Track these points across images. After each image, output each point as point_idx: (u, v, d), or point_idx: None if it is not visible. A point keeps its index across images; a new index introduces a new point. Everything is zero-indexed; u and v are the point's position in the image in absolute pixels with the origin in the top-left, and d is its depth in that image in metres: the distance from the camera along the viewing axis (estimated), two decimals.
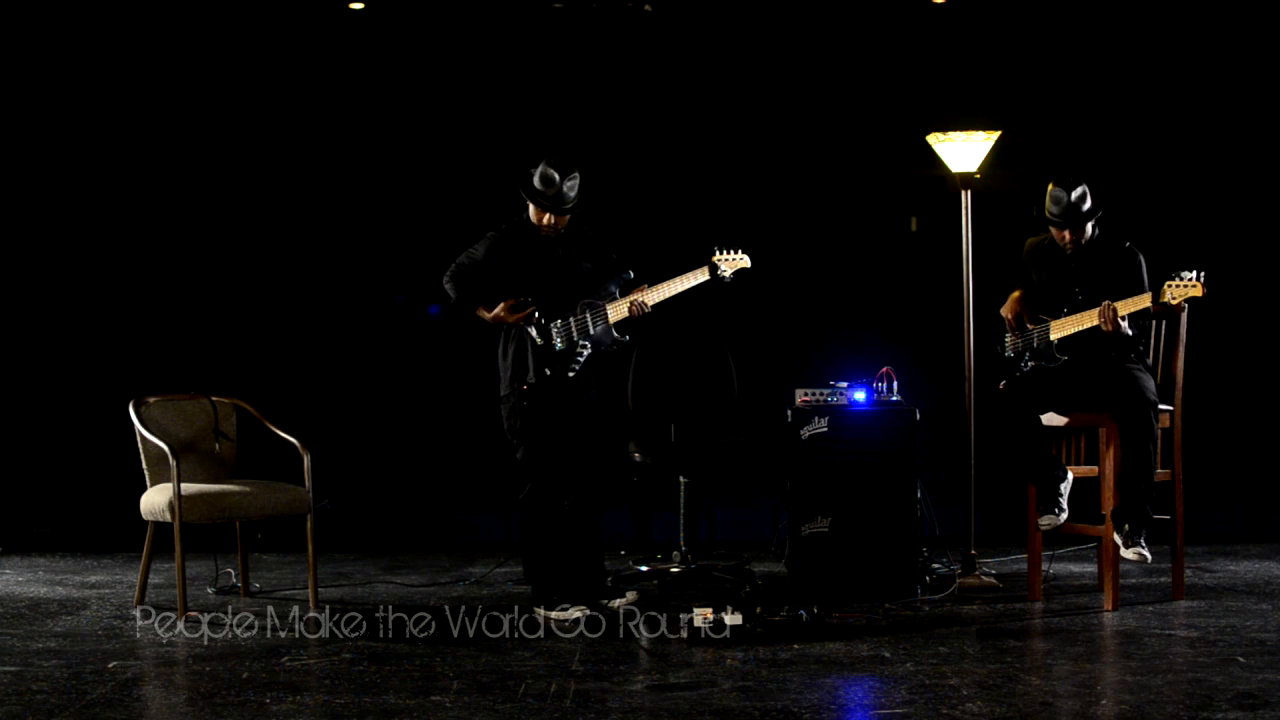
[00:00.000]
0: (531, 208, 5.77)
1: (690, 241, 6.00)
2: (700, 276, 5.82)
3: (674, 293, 5.82)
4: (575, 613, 5.60)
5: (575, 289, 5.77)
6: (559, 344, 5.68)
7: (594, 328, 5.74)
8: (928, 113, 7.14)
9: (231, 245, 7.74)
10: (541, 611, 5.67)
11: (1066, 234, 5.83)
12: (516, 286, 5.73)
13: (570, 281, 5.77)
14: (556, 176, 5.68)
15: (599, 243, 5.89)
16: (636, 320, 5.76)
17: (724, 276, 5.83)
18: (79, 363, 7.71)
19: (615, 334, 5.77)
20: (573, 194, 5.72)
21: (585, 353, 5.74)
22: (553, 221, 5.74)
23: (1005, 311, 6.01)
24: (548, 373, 5.67)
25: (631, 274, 5.86)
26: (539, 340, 5.68)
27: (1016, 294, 6.01)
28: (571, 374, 5.70)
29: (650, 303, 5.75)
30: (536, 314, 5.68)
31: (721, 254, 5.85)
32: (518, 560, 7.00)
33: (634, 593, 5.92)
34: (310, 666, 4.90)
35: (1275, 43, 7.58)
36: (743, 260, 5.86)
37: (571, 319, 5.71)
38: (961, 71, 7.58)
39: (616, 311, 5.75)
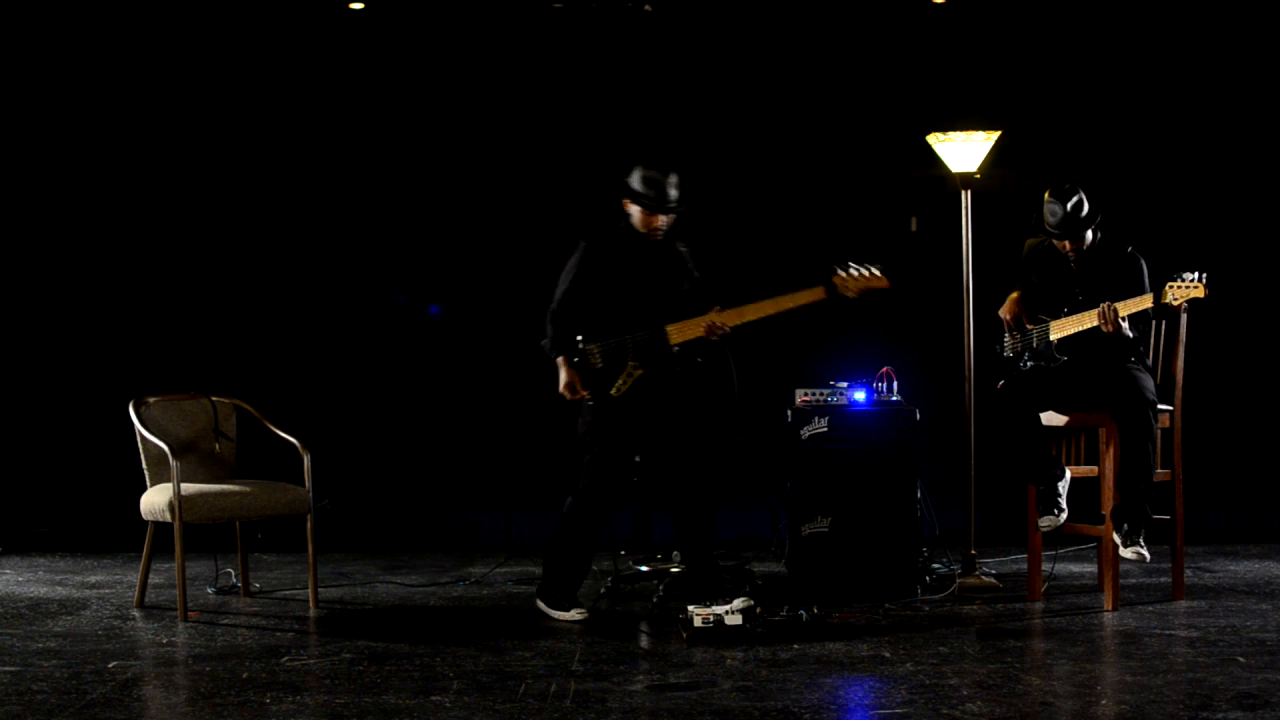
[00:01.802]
0: (637, 212, 5.69)
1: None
2: (810, 297, 5.68)
3: (766, 314, 5.67)
4: (575, 614, 5.60)
5: (665, 304, 5.69)
6: (600, 364, 5.64)
7: (641, 348, 5.64)
8: (928, 113, 7.13)
9: (231, 245, 7.74)
10: (543, 605, 5.68)
11: (1066, 244, 5.82)
12: (608, 296, 5.69)
13: (661, 295, 5.70)
14: (659, 177, 5.65)
15: (687, 260, 5.83)
16: (715, 342, 5.69)
17: (847, 297, 5.67)
18: (79, 363, 7.71)
19: (678, 351, 5.67)
20: (676, 193, 5.67)
21: (636, 374, 5.65)
22: (661, 223, 5.68)
23: (1004, 313, 6.00)
24: (588, 400, 5.63)
25: (712, 293, 5.77)
26: (574, 359, 5.64)
27: (1015, 295, 6.01)
28: (616, 393, 5.62)
29: (730, 325, 5.64)
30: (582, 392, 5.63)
31: (847, 272, 5.68)
32: (518, 560, 7.02)
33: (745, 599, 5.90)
34: (310, 666, 4.90)
35: (1275, 43, 7.57)
36: (873, 278, 5.67)
37: (618, 341, 5.64)
38: (961, 71, 7.58)
39: (682, 332, 5.65)
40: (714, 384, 5.92)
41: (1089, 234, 5.82)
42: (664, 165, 5.67)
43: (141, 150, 7.72)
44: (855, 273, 5.71)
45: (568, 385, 5.65)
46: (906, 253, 7.67)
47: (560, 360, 5.67)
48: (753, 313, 5.69)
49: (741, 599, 5.50)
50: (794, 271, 7.56)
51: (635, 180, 5.67)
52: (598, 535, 5.74)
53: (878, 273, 5.73)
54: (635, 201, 5.69)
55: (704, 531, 5.87)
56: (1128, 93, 7.64)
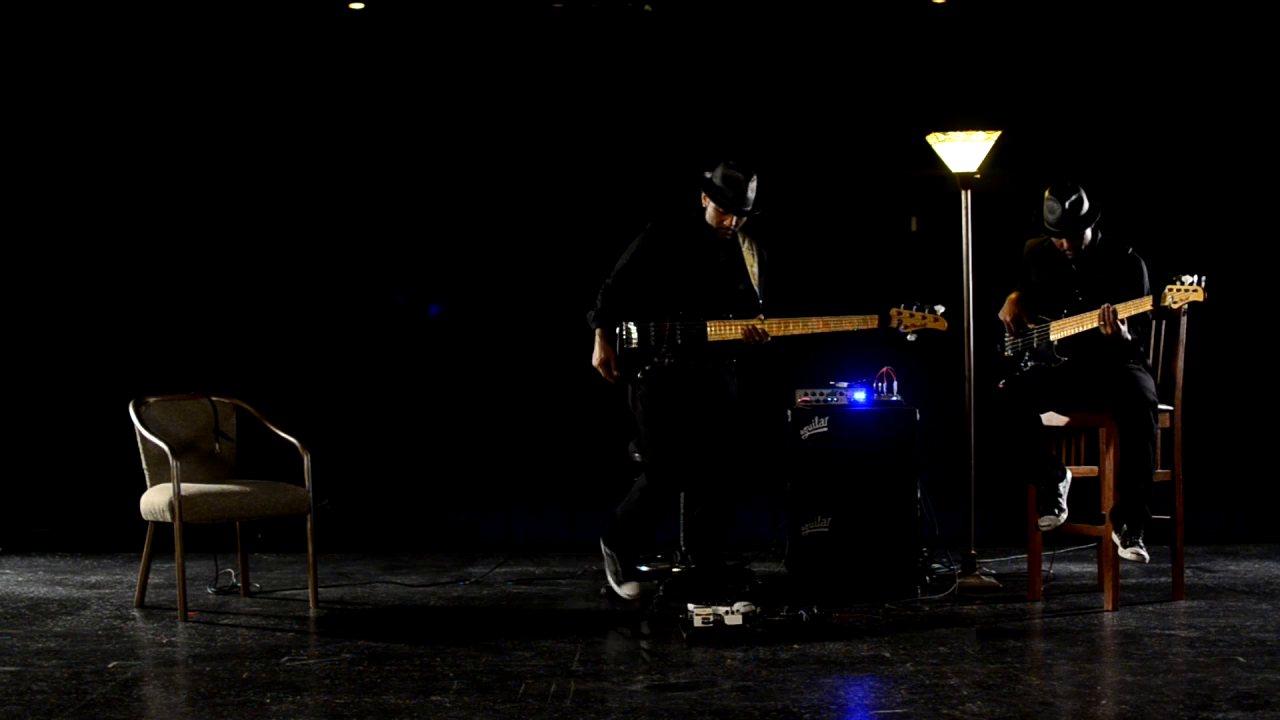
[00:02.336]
0: (711, 207, 5.77)
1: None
2: (862, 324, 5.79)
3: (813, 331, 5.76)
4: (627, 590, 5.77)
5: (715, 300, 5.76)
6: (633, 344, 5.70)
7: (677, 337, 5.70)
8: (928, 113, 7.13)
9: (231, 245, 7.74)
10: (611, 580, 5.81)
11: (1065, 241, 5.82)
12: (662, 280, 5.75)
13: (712, 291, 5.77)
14: (741, 178, 5.70)
15: (751, 263, 5.87)
16: (751, 347, 5.76)
17: (903, 334, 5.81)
18: (79, 363, 7.71)
19: (713, 348, 5.73)
20: (752, 196, 5.73)
21: (666, 362, 5.70)
22: (732, 223, 5.75)
23: (1004, 315, 6.00)
24: (615, 373, 5.73)
25: (760, 301, 5.84)
26: (612, 336, 5.72)
27: (1014, 296, 6.01)
28: (641, 376, 5.71)
29: (772, 334, 5.72)
30: (615, 373, 5.74)
31: (908, 310, 5.79)
32: (518, 560, 7.02)
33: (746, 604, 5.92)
34: (310, 666, 4.90)
35: (1275, 43, 7.57)
36: (931, 318, 5.81)
37: (658, 326, 5.69)
38: (961, 71, 7.58)
39: (720, 331, 5.72)
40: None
41: (1088, 233, 5.82)
42: (747, 167, 5.73)
43: (142, 150, 7.71)
44: (915, 311, 5.82)
45: (602, 362, 5.74)
46: (906, 253, 7.68)
47: (599, 334, 5.74)
48: (797, 327, 5.76)
49: (742, 599, 5.51)
50: (843, 292, 7.58)
51: (717, 176, 5.73)
52: (655, 521, 5.85)
53: (939, 313, 5.84)
54: (712, 197, 5.75)
55: (719, 532, 5.91)
56: (1128, 93, 7.63)
